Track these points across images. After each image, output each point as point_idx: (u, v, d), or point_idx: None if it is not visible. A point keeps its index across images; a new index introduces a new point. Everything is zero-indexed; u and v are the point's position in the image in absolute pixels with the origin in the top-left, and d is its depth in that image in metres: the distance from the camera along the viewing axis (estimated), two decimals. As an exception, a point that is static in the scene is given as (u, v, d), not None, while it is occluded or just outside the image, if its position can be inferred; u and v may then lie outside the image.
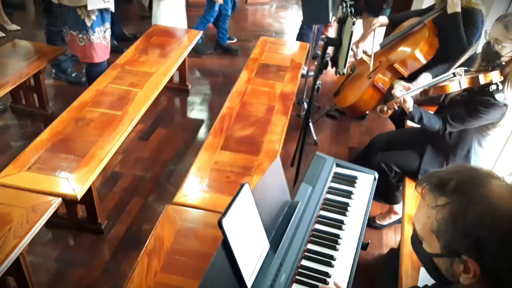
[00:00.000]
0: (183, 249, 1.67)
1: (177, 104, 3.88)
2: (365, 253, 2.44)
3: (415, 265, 1.74)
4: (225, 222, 1.19)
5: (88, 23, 2.95)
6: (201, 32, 3.94)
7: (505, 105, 2.02)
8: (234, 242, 1.22)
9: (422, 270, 1.71)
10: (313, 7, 2.95)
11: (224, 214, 1.20)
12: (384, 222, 2.68)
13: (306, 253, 1.53)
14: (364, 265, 2.39)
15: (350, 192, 1.80)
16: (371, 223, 2.68)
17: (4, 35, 4.60)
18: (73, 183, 2.05)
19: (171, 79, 3.45)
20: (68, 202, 2.33)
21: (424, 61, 2.76)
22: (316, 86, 2.55)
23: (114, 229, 2.55)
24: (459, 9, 2.63)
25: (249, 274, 1.28)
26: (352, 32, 2.16)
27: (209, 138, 2.39)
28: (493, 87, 1.99)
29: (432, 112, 2.27)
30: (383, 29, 4.67)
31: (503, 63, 2.03)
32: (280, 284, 1.35)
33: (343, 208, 1.73)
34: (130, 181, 2.92)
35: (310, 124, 3.32)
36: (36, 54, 3.25)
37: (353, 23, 2.15)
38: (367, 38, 4.57)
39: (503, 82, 2.00)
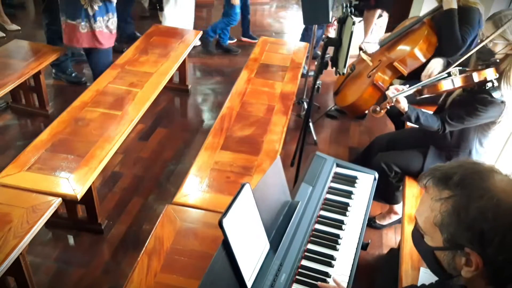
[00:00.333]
0: (183, 249, 1.67)
1: (177, 104, 3.88)
2: (365, 253, 2.44)
3: (415, 265, 1.74)
4: (225, 222, 1.19)
5: (91, 13, 3.02)
6: (201, 32, 3.96)
7: (503, 102, 2.01)
8: (234, 242, 1.22)
9: (422, 270, 1.71)
10: (313, 7, 2.95)
11: (224, 214, 1.20)
12: (384, 222, 2.68)
13: (306, 253, 1.53)
14: (364, 265, 2.39)
15: (350, 192, 1.80)
16: (371, 223, 2.68)
17: (4, 35, 4.60)
18: (73, 183, 2.05)
19: (171, 79, 3.46)
20: (68, 202, 2.33)
21: (423, 59, 2.76)
22: (316, 86, 2.55)
23: (114, 229, 2.55)
24: (454, 6, 2.64)
25: (249, 274, 1.28)
26: (352, 32, 2.16)
27: (209, 138, 2.39)
28: (489, 84, 1.99)
29: (431, 112, 2.27)
30: (383, 29, 4.70)
31: (498, 60, 2.03)
32: (280, 284, 1.35)
33: (343, 208, 1.73)
34: (130, 181, 2.92)
35: (310, 124, 3.32)
36: (36, 54, 3.25)
37: (353, 23, 2.15)
38: (368, 33, 4.59)
39: (499, 79, 1.99)
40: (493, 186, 0.88)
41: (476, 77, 1.99)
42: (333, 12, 2.75)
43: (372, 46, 2.94)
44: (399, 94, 2.13)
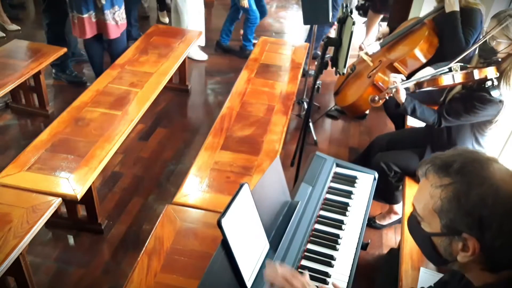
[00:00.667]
0: (183, 249, 1.67)
1: (177, 104, 3.88)
2: (365, 253, 2.44)
3: (415, 265, 1.74)
4: (224, 222, 1.19)
5: (99, 5, 3.23)
6: (203, 32, 3.95)
7: (501, 101, 2.02)
8: (233, 242, 1.22)
9: (422, 270, 1.71)
10: (313, 7, 2.95)
11: (223, 214, 1.20)
12: (384, 222, 2.68)
13: (306, 253, 1.53)
14: (364, 265, 2.39)
15: (350, 192, 1.81)
16: (371, 223, 2.68)
17: (4, 35, 4.60)
18: (73, 183, 2.05)
19: (171, 79, 3.45)
20: (68, 202, 2.33)
21: (424, 60, 2.76)
22: (316, 86, 2.55)
23: (114, 229, 2.55)
24: (457, 8, 2.64)
25: (249, 274, 1.28)
26: (352, 32, 2.16)
27: (209, 138, 2.39)
28: (489, 83, 1.99)
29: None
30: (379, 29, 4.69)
31: (499, 59, 2.03)
32: (280, 284, 1.35)
33: (343, 208, 1.73)
34: (130, 181, 2.92)
35: (310, 124, 3.32)
36: (36, 54, 3.25)
37: (353, 23, 2.15)
38: (369, 34, 4.59)
39: (499, 79, 2.00)
40: (492, 174, 0.91)
41: (477, 74, 1.99)
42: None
43: (373, 47, 2.94)
44: (399, 84, 2.13)
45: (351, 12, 2.23)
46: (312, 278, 1.44)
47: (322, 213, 1.70)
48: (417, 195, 1.02)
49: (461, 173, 0.92)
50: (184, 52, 3.45)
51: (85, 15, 3.24)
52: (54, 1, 3.53)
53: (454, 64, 2.11)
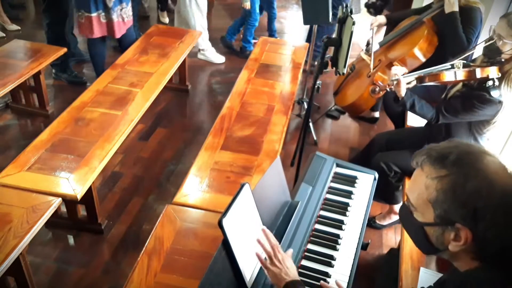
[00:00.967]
0: (183, 249, 1.67)
1: (177, 104, 3.88)
2: (365, 253, 2.44)
3: (415, 265, 1.74)
4: (225, 222, 1.19)
5: (109, 4, 3.26)
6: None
7: (500, 102, 2.02)
8: (234, 242, 1.22)
9: (422, 270, 1.71)
10: (313, 7, 2.95)
11: (224, 214, 1.20)
12: (384, 222, 2.68)
13: (306, 253, 1.53)
14: (364, 265, 2.39)
15: (350, 192, 1.81)
16: (371, 223, 2.68)
17: (4, 35, 4.60)
18: (73, 183, 2.05)
19: (171, 79, 3.45)
20: (68, 202, 2.33)
21: (423, 59, 2.76)
22: (316, 86, 2.55)
23: (114, 229, 2.55)
24: (456, 9, 2.64)
25: (249, 274, 1.28)
26: (352, 32, 2.16)
27: (209, 138, 2.39)
28: (490, 83, 1.99)
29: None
30: (384, 28, 4.69)
31: (503, 60, 2.03)
32: (280, 284, 1.35)
33: (343, 208, 1.73)
34: (130, 181, 2.92)
35: (310, 124, 3.32)
36: (36, 54, 3.25)
37: (353, 23, 2.15)
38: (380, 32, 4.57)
39: (500, 79, 2.00)
40: (486, 167, 0.93)
41: (479, 73, 2.00)
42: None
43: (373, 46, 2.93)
44: (400, 77, 2.13)
45: (351, 12, 2.22)
46: (312, 278, 1.44)
47: (322, 213, 1.71)
48: (411, 185, 1.04)
49: (457, 164, 0.94)
50: (184, 52, 3.45)
51: (94, 14, 3.25)
52: (54, 1, 3.53)
53: (457, 61, 2.11)
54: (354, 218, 1.70)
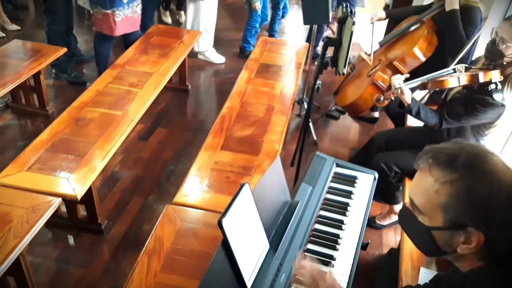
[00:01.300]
0: (183, 249, 1.67)
1: (177, 104, 3.88)
2: (365, 253, 2.44)
3: (415, 265, 1.74)
4: (225, 222, 1.19)
5: (125, 0, 3.34)
6: (201, 32, 3.95)
7: (503, 105, 2.02)
8: (234, 242, 1.22)
9: (422, 270, 1.71)
10: (313, 7, 2.95)
11: (224, 214, 1.20)
12: (384, 222, 2.68)
13: (306, 253, 1.53)
14: (364, 265, 2.39)
15: (350, 192, 1.81)
16: (371, 223, 2.68)
17: (4, 35, 4.60)
18: (73, 183, 2.05)
19: (171, 79, 3.46)
20: (68, 202, 2.33)
21: (423, 59, 2.76)
22: (316, 86, 2.55)
23: (114, 229, 2.55)
24: (457, 6, 2.64)
25: (249, 274, 1.28)
26: (352, 32, 2.16)
27: (209, 138, 2.39)
28: (492, 86, 1.98)
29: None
30: (384, 28, 4.69)
31: (505, 63, 2.03)
32: (280, 284, 1.35)
33: (343, 208, 1.73)
34: (130, 181, 2.92)
35: (310, 124, 3.32)
36: (36, 54, 3.25)
37: (353, 23, 2.15)
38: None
39: (502, 83, 1.99)
40: (495, 167, 0.92)
41: (482, 77, 1.99)
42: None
43: (368, 47, 2.94)
44: (404, 85, 2.13)
45: (351, 12, 2.23)
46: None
47: (322, 213, 1.70)
48: (415, 190, 1.00)
49: (468, 167, 0.92)
50: (184, 52, 3.45)
51: (110, 11, 3.29)
52: (54, 1, 3.53)
53: (459, 65, 2.11)
54: (354, 218, 1.70)
